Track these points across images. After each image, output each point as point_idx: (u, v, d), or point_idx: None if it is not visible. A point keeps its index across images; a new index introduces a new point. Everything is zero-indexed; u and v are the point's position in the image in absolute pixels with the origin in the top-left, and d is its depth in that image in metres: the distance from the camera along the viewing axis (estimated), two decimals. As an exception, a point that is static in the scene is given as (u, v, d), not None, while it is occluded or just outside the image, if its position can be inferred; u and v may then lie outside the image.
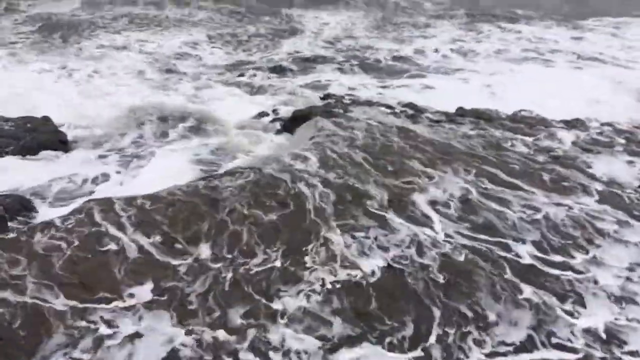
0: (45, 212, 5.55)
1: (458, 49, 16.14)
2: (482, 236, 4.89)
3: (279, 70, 13.42)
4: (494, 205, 5.40)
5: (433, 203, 5.37)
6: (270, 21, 19.58)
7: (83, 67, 12.40)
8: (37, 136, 7.72)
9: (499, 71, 13.57)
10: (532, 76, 13.14)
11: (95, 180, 6.72)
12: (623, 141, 7.56)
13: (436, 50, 15.87)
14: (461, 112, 8.72)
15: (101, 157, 7.36)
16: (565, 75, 13.36)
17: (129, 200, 5.07)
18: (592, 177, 6.22)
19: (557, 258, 4.68)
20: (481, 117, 8.37)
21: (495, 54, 15.59)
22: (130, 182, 6.51)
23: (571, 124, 8.28)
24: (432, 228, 4.97)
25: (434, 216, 5.14)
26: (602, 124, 8.46)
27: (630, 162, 6.77)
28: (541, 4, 23.88)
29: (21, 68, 12.24)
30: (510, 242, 4.85)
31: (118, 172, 6.90)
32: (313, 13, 21.36)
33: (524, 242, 4.85)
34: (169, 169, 6.89)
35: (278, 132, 8.71)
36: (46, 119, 8.34)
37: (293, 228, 4.84)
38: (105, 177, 6.78)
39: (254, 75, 12.71)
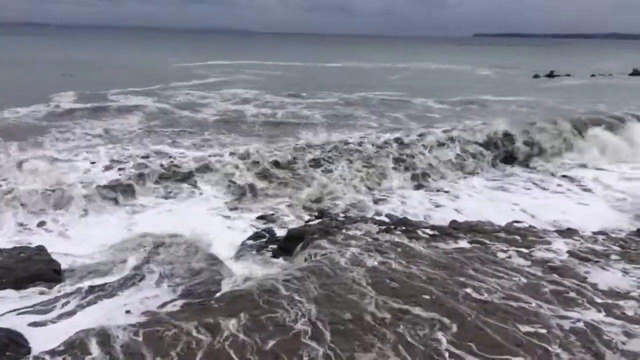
0: (36, 346, 5.38)
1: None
2: (488, 355, 4.74)
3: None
4: (497, 321, 5.28)
5: (436, 321, 5.25)
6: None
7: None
8: (30, 266, 7.64)
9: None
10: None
11: (88, 310, 6.59)
12: (618, 249, 7.58)
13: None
14: (455, 226, 8.79)
15: (95, 286, 7.23)
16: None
17: (123, 330, 4.94)
18: (593, 287, 6.14)
19: (568, 375, 4.51)
20: (475, 230, 8.42)
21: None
22: (124, 311, 6.35)
23: (565, 234, 8.34)
24: (436, 349, 4.82)
25: (440, 337, 5.01)
26: (595, 233, 8.54)
27: (627, 271, 6.72)
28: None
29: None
30: (517, 359, 4.69)
31: (112, 301, 6.77)
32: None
33: (530, 359, 4.69)
34: (163, 296, 6.79)
35: (274, 252, 8.69)
36: (40, 249, 8.31)
37: (292, 353, 4.69)
38: (99, 306, 6.65)
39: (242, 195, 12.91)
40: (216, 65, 52.73)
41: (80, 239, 9.72)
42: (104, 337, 4.82)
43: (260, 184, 13.18)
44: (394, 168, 14.79)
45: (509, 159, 16.92)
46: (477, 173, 15.59)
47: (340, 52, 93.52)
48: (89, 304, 6.73)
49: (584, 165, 16.54)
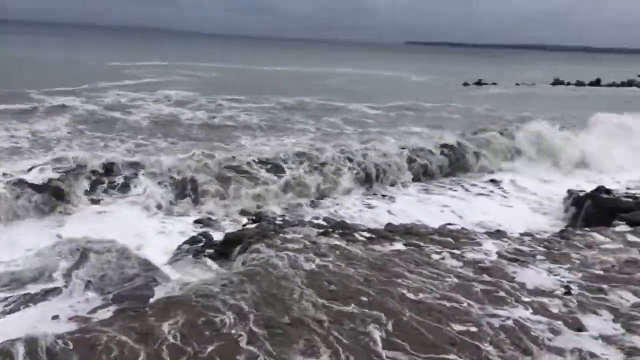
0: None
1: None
2: (422, 355, 4.86)
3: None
4: (432, 321, 5.42)
5: (372, 322, 5.34)
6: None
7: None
8: (-52, 275, 7.22)
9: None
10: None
11: (13, 318, 6.28)
12: (543, 249, 7.95)
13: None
14: (391, 229, 8.96)
15: (21, 294, 6.90)
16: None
17: (52, 338, 4.74)
18: (521, 287, 6.42)
19: (498, 371, 4.68)
20: (411, 232, 8.62)
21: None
22: (51, 317, 6.09)
23: (494, 235, 8.68)
24: (373, 350, 4.90)
25: (377, 337, 5.09)
26: (521, 234, 8.92)
27: (551, 270, 7.06)
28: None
29: None
30: (450, 357, 4.84)
31: (39, 309, 6.48)
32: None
33: (463, 357, 4.84)
34: (94, 303, 6.55)
35: (211, 257, 8.56)
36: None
37: (230, 358, 4.65)
38: (25, 314, 6.34)
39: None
40: (149, 65, 51.52)
41: (4, 245, 9.23)
42: (32, 346, 4.60)
43: (201, 185, 12.83)
44: (349, 169, 14.85)
45: (451, 166, 17.27)
46: (425, 179, 16.01)
47: (273, 55, 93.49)
48: (14, 311, 6.41)
49: (501, 169, 17.31)
